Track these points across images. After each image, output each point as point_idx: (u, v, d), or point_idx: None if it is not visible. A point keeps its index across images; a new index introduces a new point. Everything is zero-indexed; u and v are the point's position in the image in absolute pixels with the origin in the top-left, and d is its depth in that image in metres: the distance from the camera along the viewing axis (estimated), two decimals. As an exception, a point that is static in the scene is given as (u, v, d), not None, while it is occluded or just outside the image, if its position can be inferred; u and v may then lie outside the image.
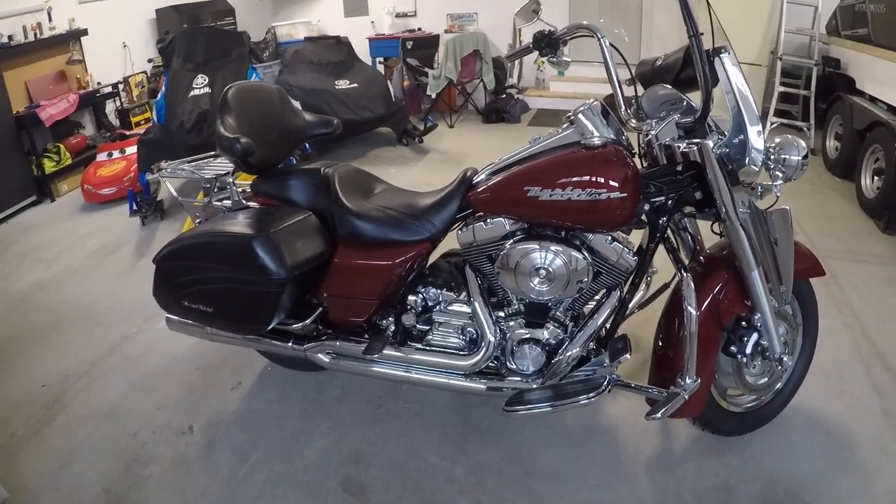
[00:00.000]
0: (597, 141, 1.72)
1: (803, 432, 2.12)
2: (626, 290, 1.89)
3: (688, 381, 1.76)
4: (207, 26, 5.24)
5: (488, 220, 1.85)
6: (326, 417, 2.21)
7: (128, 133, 5.00)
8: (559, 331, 1.89)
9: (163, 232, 3.96)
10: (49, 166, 4.58)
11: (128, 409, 2.27)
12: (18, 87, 4.53)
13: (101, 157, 4.60)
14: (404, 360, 2.01)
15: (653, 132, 1.74)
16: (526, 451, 2.08)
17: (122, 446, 2.10)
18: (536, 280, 1.81)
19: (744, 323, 1.87)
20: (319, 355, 2.05)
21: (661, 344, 1.89)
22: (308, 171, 2.06)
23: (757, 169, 1.66)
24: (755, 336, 1.86)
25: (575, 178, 1.69)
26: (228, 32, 4.55)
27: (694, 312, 1.72)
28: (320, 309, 2.03)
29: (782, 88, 4.99)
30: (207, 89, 4.14)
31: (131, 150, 4.49)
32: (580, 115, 1.77)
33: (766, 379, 1.98)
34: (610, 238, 1.79)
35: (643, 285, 2.14)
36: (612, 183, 1.68)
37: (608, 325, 1.92)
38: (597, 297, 1.93)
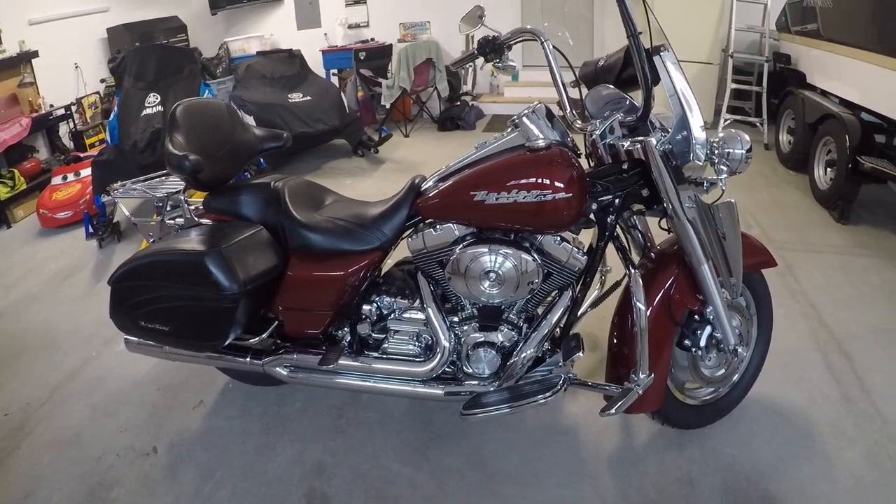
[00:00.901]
0: (541, 143, 1.74)
1: (763, 422, 2.15)
2: (577, 289, 1.90)
3: (641, 376, 1.78)
4: (158, 44, 5.17)
5: (437, 227, 1.86)
6: (288, 431, 2.22)
7: (82, 155, 4.90)
8: (513, 333, 1.90)
9: (120, 254, 3.90)
10: (3, 192, 4.47)
11: (91, 433, 2.26)
12: (-34, 112, 4.42)
13: (56, 180, 4.51)
14: (361, 370, 2.00)
15: (596, 132, 1.76)
16: (487, 455, 2.09)
17: (86, 470, 2.09)
18: (487, 283, 1.82)
19: (696, 317, 1.90)
20: (277, 369, 2.04)
21: (615, 341, 1.91)
22: (258, 185, 2.06)
23: (701, 164, 1.68)
24: (708, 329, 1.89)
25: (520, 181, 1.71)
26: (180, 49, 4.50)
27: (643, 308, 1.74)
28: (276, 322, 2.03)
29: (734, 85, 5.11)
30: (160, 108, 4.10)
31: (86, 172, 4.40)
32: (524, 119, 1.78)
33: (722, 371, 2.01)
34: (559, 238, 1.80)
35: (597, 284, 2.16)
36: (557, 184, 1.69)
37: (562, 325, 1.93)
38: (549, 298, 1.94)
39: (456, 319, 1.96)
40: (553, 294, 1.92)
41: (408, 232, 1.97)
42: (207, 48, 6.29)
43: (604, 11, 5.94)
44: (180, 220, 2.15)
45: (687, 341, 1.90)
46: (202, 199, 2.12)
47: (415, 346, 2.02)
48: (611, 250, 1.92)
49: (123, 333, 2.05)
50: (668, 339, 1.88)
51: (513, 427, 2.20)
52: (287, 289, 1.98)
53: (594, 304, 2.19)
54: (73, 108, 5.23)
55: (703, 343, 1.89)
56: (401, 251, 2.05)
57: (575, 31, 6.14)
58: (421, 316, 1.99)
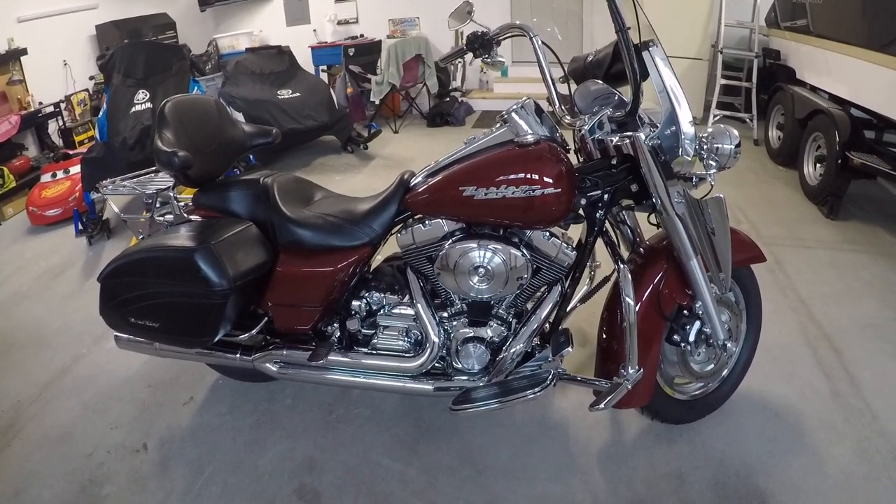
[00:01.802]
0: (529, 138, 1.74)
1: (753, 417, 2.15)
2: (567, 284, 1.90)
3: (630, 371, 1.78)
4: (147, 41, 5.16)
5: (427, 222, 1.86)
6: (279, 427, 2.21)
7: (71, 152, 4.88)
8: (502, 328, 1.90)
9: (110, 251, 3.88)
10: (-7, 190, 4.44)
11: (82, 430, 2.26)
12: (-45, 110, 4.38)
13: (46, 178, 4.49)
14: (351, 365, 2.00)
15: (585, 127, 1.76)
16: (477, 450, 2.09)
17: (77, 468, 2.09)
18: (476, 279, 1.82)
19: (685, 312, 1.90)
20: (267, 365, 2.04)
21: (604, 336, 1.90)
22: (247, 181, 2.05)
23: (690, 159, 1.68)
24: (697, 324, 1.89)
25: (509, 176, 1.70)
26: (168, 46, 4.48)
27: (632, 303, 1.74)
28: (266, 319, 2.04)
29: (724, 81, 5.12)
30: (149, 104, 4.08)
31: (75, 169, 4.39)
32: (513, 114, 1.78)
33: (711, 366, 2.01)
34: (548, 234, 1.80)
35: (587, 279, 2.16)
36: (545, 179, 1.69)
37: (551, 320, 1.93)
38: (539, 294, 1.94)
39: (445, 315, 1.96)
40: (542, 289, 1.92)
41: (397, 227, 1.97)
42: (196, 45, 6.25)
43: (593, 7, 5.94)
44: (170, 217, 2.14)
45: (676, 336, 1.90)
46: (191, 196, 2.12)
47: (404, 341, 2.02)
48: (600, 246, 1.92)
49: (113, 330, 2.04)
50: (657, 334, 1.88)
51: (502, 422, 2.20)
52: (276, 284, 1.97)
53: (583, 300, 2.19)
54: (63, 106, 5.19)
55: (692, 338, 1.89)
56: (390, 247, 2.04)
57: (564, 27, 6.14)
58: (410, 311, 1.99)
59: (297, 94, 4.98)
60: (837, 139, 3.55)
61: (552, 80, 1.82)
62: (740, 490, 1.87)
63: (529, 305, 1.95)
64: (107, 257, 3.72)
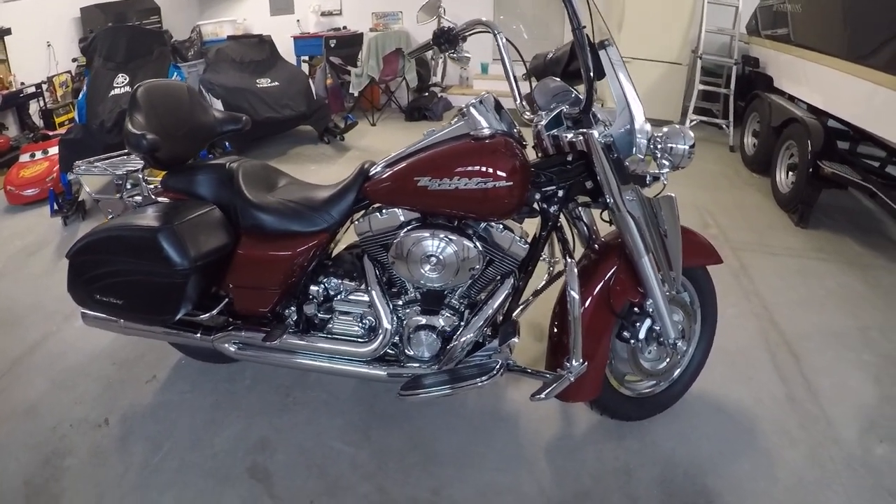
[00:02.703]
0: (485, 132, 1.76)
1: (706, 417, 2.17)
2: (520, 277, 1.92)
3: (574, 363, 1.80)
4: (129, 25, 5.11)
5: (384, 211, 1.89)
6: (236, 407, 2.25)
7: (51, 133, 4.86)
8: (454, 317, 1.92)
9: (84, 231, 3.79)
10: (-29, 168, 4.40)
11: (48, 405, 2.30)
12: (-63, 88, 4.33)
13: (24, 157, 4.48)
14: (306, 348, 2.02)
15: (541, 123, 1.78)
16: (428, 437, 2.11)
17: (42, 441, 2.13)
18: (428, 267, 1.85)
19: (636, 309, 1.91)
20: (226, 345, 2.07)
21: (554, 330, 1.92)
22: (214, 166, 2.09)
23: (643, 157, 1.69)
24: (648, 322, 1.91)
25: (463, 168, 1.72)
26: (150, 31, 4.46)
27: (577, 298, 1.75)
28: (227, 300, 2.07)
29: (702, 87, 5.15)
30: (128, 88, 4.07)
31: (54, 150, 4.38)
32: (471, 108, 1.80)
33: (662, 364, 2.02)
34: (502, 226, 1.82)
35: (546, 274, 2.17)
36: (499, 172, 1.70)
37: (503, 312, 1.95)
38: (492, 286, 1.95)
39: (399, 303, 1.98)
40: (495, 281, 1.93)
41: (356, 215, 1.99)
42: (180, 31, 6.22)
43: (577, 7, 5.94)
44: (139, 199, 2.17)
45: (626, 333, 1.92)
46: (161, 179, 2.15)
47: (359, 327, 2.04)
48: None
49: (80, 307, 2.08)
50: (607, 330, 1.89)
51: (454, 411, 2.21)
52: (237, 267, 2.01)
53: (537, 294, 2.20)
54: (45, 87, 5.16)
55: (641, 335, 1.91)
56: (353, 235, 2.05)
57: (546, 28, 6.14)
58: (366, 298, 2.01)
59: (276, 84, 4.97)
60: (810, 148, 3.59)
61: (514, 76, 1.88)
62: (687, 488, 1.89)
63: (483, 296, 1.96)
64: (80, 238, 3.71)
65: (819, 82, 3.87)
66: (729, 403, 2.24)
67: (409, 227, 1.86)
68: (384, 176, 1.86)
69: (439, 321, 1.91)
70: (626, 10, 5.23)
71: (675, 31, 5.18)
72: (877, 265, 3.31)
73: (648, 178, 1.75)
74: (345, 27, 6.59)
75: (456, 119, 1.84)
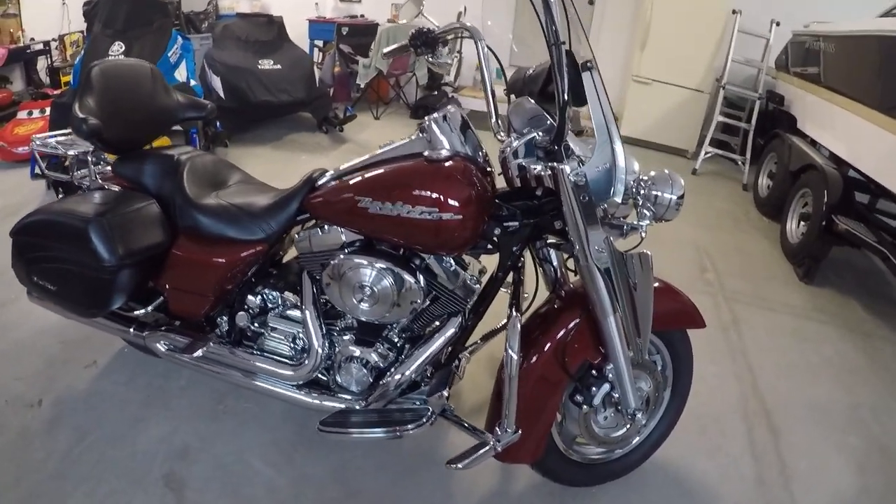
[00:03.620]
0: (442, 153, 1.54)
1: (661, 491, 1.94)
2: (468, 318, 1.70)
3: (507, 431, 1.59)
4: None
5: (325, 228, 1.71)
6: (166, 407, 2.15)
7: (51, 93, 4.77)
8: (389, 352, 1.72)
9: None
10: (-30, 121, 4.27)
11: None
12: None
13: (22, 114, 4.36)
14: (231, 362, 1.87)
15: (508, 149, 1.54)
16: (354, 471, 1.94)
17: None
18: (361, 297, 1.64)
19: (594, 371, 1.67)
20: (157, 344, 1.94)
21: (496, 386, 1.68)
22: (163, 156, 1.98)
23: (619, 202, 1.46)
24: (606, 387, 1.67)
25: (408, 193, 1.52)
26: (153, 2, 4.29)
27: (515, 358, 1.53)
28: (161, 298, 1.95)
29: (721, 118, 4.86)
30: (122, 57, 3.87)
31: (51, 110, 4.26)
32: (431, 123, 1.57)
33: (619, 432, 1.78)
34: (451, 262, 1.62)
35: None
36: (448, 202, 1.48)
37: (447, 354, 1.74)
38: (437, 322, 1.73)
39: (336, 327, 1.80)
40: (442, 318, 1.71)
41: (297, 228, 1.80)
42: (198, 2, 6.01)
43: (603, 14, 5.68)
44: (87, 182, 2.04)
45: (578, 396, 1.68)
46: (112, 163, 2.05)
47: (290, 347, 1.87)
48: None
49: (22, 285, 1.98)
50: (558, 390, 1.65)
51: (387, 446, 2.02)
52: (170, 267, 1.88)
53: (486, 338, 1.98)
54: (55, 45, 5.08)
55: (596, 401, 1.67)
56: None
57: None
58: (300, 317, 1.82)
59: (278, 67, 4.77)
60: (826, 199, 3.31)
61: (493, 91, 1.63)
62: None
63: (427, 333, 1.75)
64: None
65: (845, 130, 3.58)
66: (691, 477, 2.01)
67: (348, 251, 1.66)
68: (326, 190, 1.67)
69: (372, 355, 1.71)
70: (652, 28, 4.95)
71: (701, 57, 4.88)
72: (879, 335, 3.03)
73: (625, 227, 1.51)
74: (362, 15, 6.33)
75: (416, 133, 1.61)
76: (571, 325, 1.62)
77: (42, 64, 5.13)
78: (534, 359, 1.61)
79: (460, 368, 1.84)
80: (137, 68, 2.11)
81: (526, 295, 1.94)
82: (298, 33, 5.64)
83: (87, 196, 1.91)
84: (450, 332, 1.67)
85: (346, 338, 1.76)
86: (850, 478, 2.09)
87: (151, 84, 2.08)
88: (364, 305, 1.65)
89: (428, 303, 1.67)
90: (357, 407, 1.75)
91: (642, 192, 1.46)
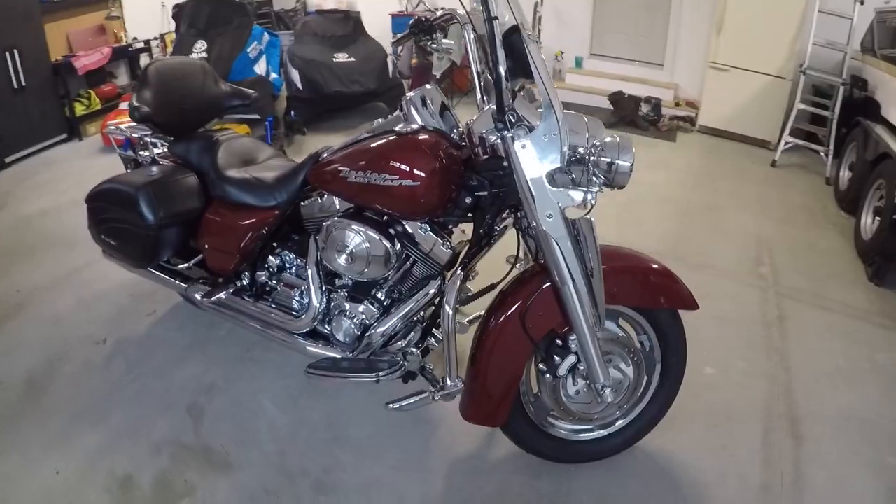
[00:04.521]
0: (413, 127, 1.68)
1: (645, 482, 1.88)
2: (445, 281, 1.79)
3: (449, 382, 1.71)
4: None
5: (324, 196, 1.94)
6: (203, 352, 2.46)
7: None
8: (374, 309, 1.87)
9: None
10: (79, 109, 4.88)
11: (69, 319, 2.66)
12: (60, 37, 4.86)
13: (123, 105, 4.81)
14: (243, 310, 2.11)
15: (471, 121, 1.66)
16: (346, 419, 2.13)
17: (53, 346, 2.47)
18: (343, 258, 1.81)
19: (560, 342, 1.67)
20: (195, 295, 2.21)
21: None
22: (205, 137, 2.29)
23: (557, 167, 1.49)
24: (572, 358, 1.67)
25: (378, 163, 1.67)
26: (232, 3, 4.66)
27: (451, 313, 1.65)
28: (200, 256, 2.24)
29: (802, 106, 4.43)
30: (204, 55, 4.30)
31: (152, 102, 4.72)
32: (407, 102, 1.74)
33: (593, 410, 1.76)
34: (426, 227, 1.75)
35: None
36: (413, 171, 1.61)
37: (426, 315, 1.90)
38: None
39: (335, 286, 1.99)
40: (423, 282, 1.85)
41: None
42: (290, 1, 6.40)
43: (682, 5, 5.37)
44: (149, 159, 2.42)
45: (543, 365, 1.71)
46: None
47: (297, 301, 2.08)
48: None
49: (96, 244, 2.36)
50: (521, 356, 1.68)
51: (380, 401, 2.11)
52: (205, 229, 2.18)
53: (464, 302, 2.04)
54: (156, 43, 5.59)
55: (561, 372, 1.68)
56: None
57: (650, 23, 5.61)
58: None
59: (352, 60, 4.99)
60: (899, 191, 2.96)
61: (479, 71, 1.76)
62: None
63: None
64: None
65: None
66: (684, 473, 1.91)
67: (338, 216, 1.85)
68: (322, 162, 1.86)
69: (359, 309, 1.88)
70: (728, 10, 4.62)
71: (781, 41, 4.48)
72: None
73: (585, 195, 1.50)
74: (442, 8, 6.39)
75: (398, 110, 1.77)
76: (536, 291, 1.64)
77: (144, 61, 5.63)
78: (498, 321, 1.65)
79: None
80: (189, 65, 2.46)
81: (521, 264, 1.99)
82: (383, 28, 5.82)
83: (143, 169, 2.28)
84: (428, 293, 1.80)
85: (341, 293, 1.94)
86: (875, 499, 1.86)
87: (202, 77, 2.39)
88: (345, 264, 1.81)
89: (409, 266, 1.82)
90: (346, 355, 1.91)
91: (592, 157, 1.48)
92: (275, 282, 2.12)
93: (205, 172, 2.18)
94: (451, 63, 5.59)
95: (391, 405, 1.77)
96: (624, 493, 1.83)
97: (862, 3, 4.04)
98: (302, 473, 1.89)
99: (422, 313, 1.88)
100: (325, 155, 1.88)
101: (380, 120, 1.82)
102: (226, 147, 2.23)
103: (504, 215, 1.80)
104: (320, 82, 4.73)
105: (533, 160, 1.48)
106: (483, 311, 2.03)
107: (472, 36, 1.73)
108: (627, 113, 5.32)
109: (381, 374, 1.81)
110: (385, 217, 1.79)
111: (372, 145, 1.72)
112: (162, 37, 5.57)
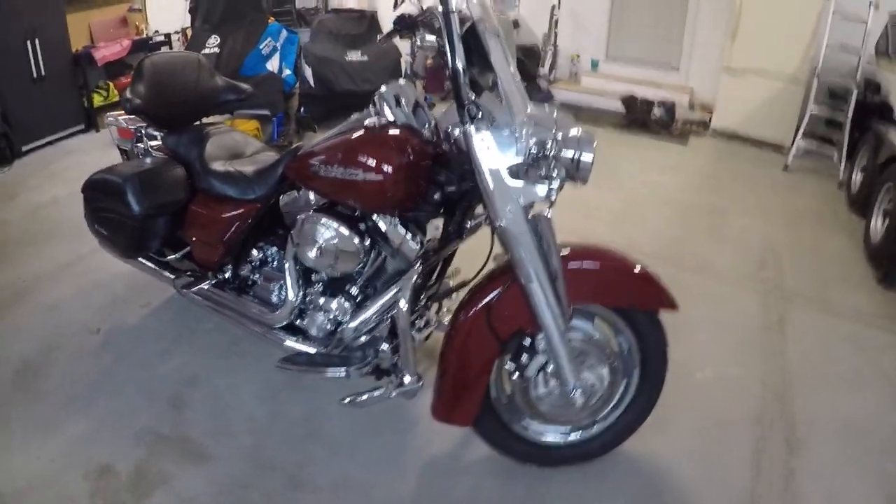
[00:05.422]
0: (381, 122, 1.65)
1: (624, 486, 1.80)
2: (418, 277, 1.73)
3: (405, 379, 1.67)
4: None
5: (300, 191, 1.90)
6: (190, 343, 2.43)
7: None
8: (347, 304, 1.83)
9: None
10: (98, 100, 4.89)
11: (67, 307, 2.65)
12: (83, 28, 4.90)
13: None
14: (223, 302, 2.10)
15: (440, 116, 1.63)
16: (322, 415, 2.09)
17: (49, 333, 2.47)
18: (313, 251, 1.78)
19: (527, 340, 1.61)
20: (179, 286, 2.21)
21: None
22: (195, 130, 2.27)
23: (523, 161, 1.44)
24: (540, 359, 1.61)
25: (345, 157, 1.63)
26: None
27: (404, 308, 1.62)
28: (188, 248, 2.22)
29: (815, 110, 4.26)
30: (217, 49, 4.25)
31: (166, 96, 4.75)
32: (379, 98, 1.69)
33: (565, 412, 1.68)
34: (396, 222, 1.70)
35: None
36: (378, 165, 1.57)
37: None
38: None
39: (312, 280, 1.96)
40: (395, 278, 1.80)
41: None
42: (312, -1, 6.40)
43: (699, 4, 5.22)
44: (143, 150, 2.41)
45: (510, 364, 1.64)
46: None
47: (276, 296, 2.06)
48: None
49: (91, 233, 2.34)
50: (488, 354, 1.62)
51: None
52: (191, 221, 2.15)
53: (435, 297, 1.98)
54: (177, 37, 5.57)
55: (529, 372, 1.62)
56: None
57: (667, 26, 5.47)
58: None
59: (365, 59, 4.94)
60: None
61: (463, 69, 1.60)
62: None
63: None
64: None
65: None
66: (666, 480, 1.84)
67: (312, 210, 1.81)
68: (297, 156, 1.82)
69: (332, 304, 1.84)
70: (742, 14, 4.47)
71: (796, 45, 4.33)
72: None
73: (548, 189, 1.44)
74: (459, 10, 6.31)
75: (371, 106, 1.72)
76: (500, 289, 1.58)
77: None
78: (466, 318, 1.60)
79: (425, 324, 1.94)
80: (184, 59, 2.43)
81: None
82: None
83: (135, 161, 2.28)
84: (399, 287, 1.72)
85: (316, 288, 1.90)
86: (871, 510, 1.76)
87: (197, 72, 2.37)
88: (313, 256, 1.77)
89: (381, 261, 1.78)
90: (320, 350, 1.88)
91: (551, 151, 1.41)
92: (256, 275, 2.11)
93: (192, 164, 2.16)
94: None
95: (346, 400, 1.74)
96: (599, 500, 1.75)
97: (877, 8, 3.88)
98: (275, 468, 1.87)
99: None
100: (303, 149, 1.84)
101: (356, 115, 1.78)
102: (214, 140, 2.21)
103: (480, 211, 1.73)
104: (332, 80, 4.70)
105: (493, 154, 1.43)
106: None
107: (456, 27, 1.65)
108: (639, 116, 5.22)
109: (350, 368, 1.77)
110: (356, 212, 1.75)
111: (341, 140, 1.69)
112: (184, 31, 5.54)
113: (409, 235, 1.69)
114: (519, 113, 1.41)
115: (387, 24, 5.43)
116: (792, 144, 4.37)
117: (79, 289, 2.77)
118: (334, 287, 1.88)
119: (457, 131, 1.49)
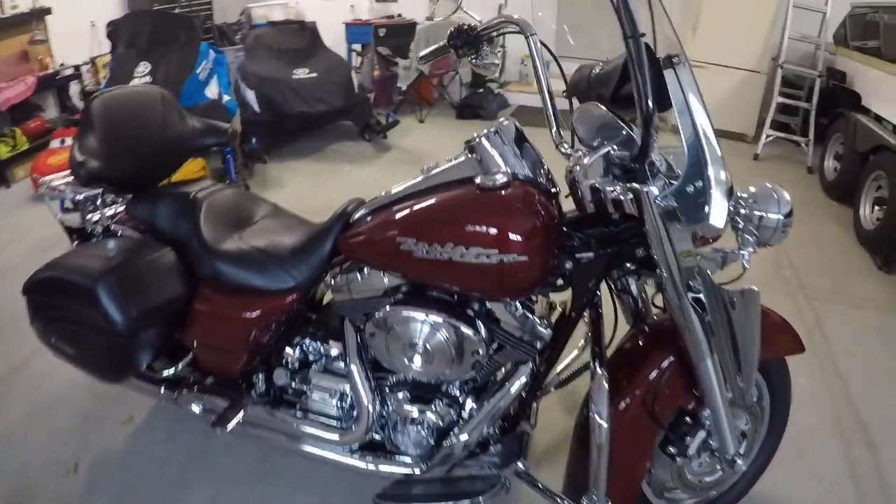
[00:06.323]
0: (498, 179, 1.25)
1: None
2: (539, 364, 1.42)
3: (595, 501, 1.30)
4: (154, 10, 4.68)
5: (364, 271, 1.43)
6: (208, 468, 1.89)
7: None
8: (451, 410, 1.45)
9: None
10: (4, 151, 4.11)
11: (25, 433, 2.05)
12: (-24, 70, 4.09)
13: (54, 143, 4.09)
14: (271, 426, 1.62)
15: (578, 168, 1.23)
16: None
17: (15, 472, 1.89)
18: (413, 354, 1.38)
19: (688, 418, 1.37)
20: (191, 406, 1.68)
21: (576, 444, 1.40)
22: (177, 195, 1.70)
23: (720, 227, 1.15)
24: (702, 434, 1.37)
25: (460, 231, 1.24)
26: (177, 17, 4.05)
27: (604, 425, 1.24)
28: (191, 355, 1.69)
29: (781, 99, 4.41)
30: (149, 78, 3.66)
31: (87, 136, 4.06)
32: (483, 141, 1.30)
33: (713, 477, 1.50)
34: (517, 306, 1.33)
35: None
36: (511, 239, 1.21)
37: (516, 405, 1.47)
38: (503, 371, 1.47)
39: (388, 382, 1.52)
40: (507, 366, 1.44)
41: (334, 270, 1.52)
42: (232, 14, 5.76)
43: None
44: (100, 227, 1.79)
45: (672, 448, 1.38)
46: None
47: (336, 406, 1.59)
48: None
49: (43, 344, 1.70)
50: (648, 444, 1.37)
51: None
52: (194, 322, 1.62)
53: (560, 385, 1.69)
54: (86, 69, 4.83)
55: (691, 451, 1.38)
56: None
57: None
58: (346, 370, 1.54)
59: (314, 75, 4.46)
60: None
61: (551, 94, 1.36)
62: None
63: (491, 383, 1.48)
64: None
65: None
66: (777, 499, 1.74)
67: (396, 299, 1.39)
68: (362, 227, 1.40)
69: (430, 415, 1.44)
70: (703, 8, 4.52)
71: (756, 36, 4.44)
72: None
73: (721, 255, 1.22)
74: (399, 15, 5.90)
75: (464, 153, 1.34)
76: (660, 367, 1.33)
77: (75, 89, 4.87)
78: (621, 411, 1.32)
79: (532, 418, 1.55)
80: (145, 96, 1.83)
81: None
82: (337, 38, 5.32)
83: (97, 246, 1.66)
84: (519, 382, 1.39)
85: (399, 395, 1.49)
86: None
87: (162, 111, 1.79)
88: (417, 364, 1.38)
89: (491, 352, 1.39)
90: (416, 472, 1.48)
91: (742, 211, 1.14)
92: (297, 382, 1.63)
93: (183, 243, 1.62)
94: (418, 73, 5.21)
95: None
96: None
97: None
98: None
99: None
100: (360, 215, 1.44)
101: (437, 164, 1.39)
102: (208, 207, 1.66)
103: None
104: (280, 102, 4.16)
105: (675, 219, 1.14)
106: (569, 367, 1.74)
107: (537, 47, 1.37)
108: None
109: (482, 497, 1.41)
110: (455, 296, 1.38)
111: (447, 207, 1.29)
112: (93, 60, 4.81)
113: (536, 320, 1.35)
114: (712, 169, 1.14)
115: (322, 36, 5.01)
116: (758, 133, 4.48)
117: (34, 405, 2.14)
118: (421, 388, 1.49)
119: (615, 189, 1.18)
